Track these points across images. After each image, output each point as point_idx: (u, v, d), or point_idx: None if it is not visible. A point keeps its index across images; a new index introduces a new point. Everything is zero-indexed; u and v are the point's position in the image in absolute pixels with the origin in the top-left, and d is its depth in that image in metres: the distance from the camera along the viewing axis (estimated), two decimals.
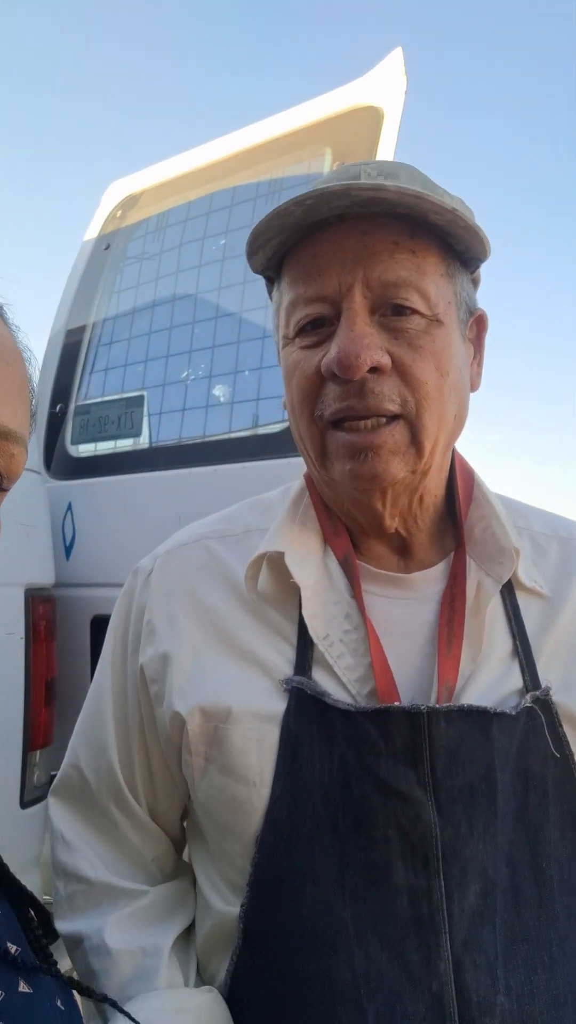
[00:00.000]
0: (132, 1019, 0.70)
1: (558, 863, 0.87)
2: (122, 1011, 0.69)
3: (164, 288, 2.39)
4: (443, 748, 0.85)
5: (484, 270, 0.97)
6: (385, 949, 0.81)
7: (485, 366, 1.01)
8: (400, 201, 0.82)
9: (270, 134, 2.26)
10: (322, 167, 2.13)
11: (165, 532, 1.13)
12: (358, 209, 0.85)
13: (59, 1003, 0.61)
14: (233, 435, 2.10)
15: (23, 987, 0.56)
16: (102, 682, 1.04)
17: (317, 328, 0.89)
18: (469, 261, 0.93)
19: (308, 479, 1.03)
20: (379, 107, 2.03)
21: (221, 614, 0.97)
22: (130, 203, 2.62)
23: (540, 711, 0.89)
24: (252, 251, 0.91)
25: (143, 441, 2.35)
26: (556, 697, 0.91)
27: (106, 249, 2.61)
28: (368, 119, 2.04)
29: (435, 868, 0.82)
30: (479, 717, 0.86)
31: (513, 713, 0.87)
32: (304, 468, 1.02)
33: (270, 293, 1.00)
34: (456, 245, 0.90)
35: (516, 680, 0.91)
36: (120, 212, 2.64)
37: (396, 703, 0.86)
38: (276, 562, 0.95)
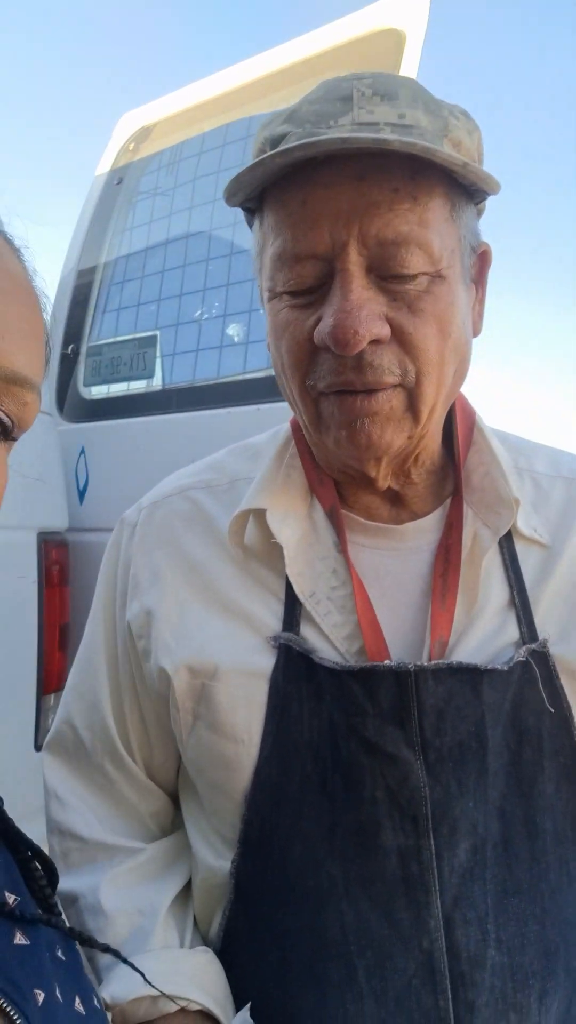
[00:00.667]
0: (135, 968, 0.69)
1: (552, 816, 0.86)
2: (124, 960, 0.69)
3: (177, 224, 2.32)
4: (431, 707, 0.82)
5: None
6: (375, 907, 0.81)
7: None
8: (405, 153, 0.74)
9: (287, 60, 2.17)
10: None
11: (164, 480, 1.10)
12: (354, 148, 0.75)
13: (59, 953, 0.61)
14: (248, 376, 2.06)
15: (19, 939, 0.55)
16: (93, 636, 1.01)
17: (307, 291, 0.81)
18: (474, 193, 0.84)
19: (294, 425, 0.97)
20: (401, 29, 1.94)
21: (207, 567, 0.93)
22: (143, 135, 2.54)
23: (536, 664, 0.85)
24: (230, 194, 0.83)
25: (156, 383, 2.31)
26: (554, 649, 0.87)
27: (118, 184, 2.54)
28: (389, 42, 1.95)
29: (424, 828, 0.81)
30: (469, 675, 0.83)
31: (505, 668, 0.84)
32: (281, 417, 0.98)
33: (249, 224, 0.91)
34: (461, 180, 0.80)
35: (512, 633, 0.87)
36: (133, 145, 2.55)
37: (382, 662, 0.83)
38: (261, 516, 0.90)
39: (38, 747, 1.97)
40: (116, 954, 0.67)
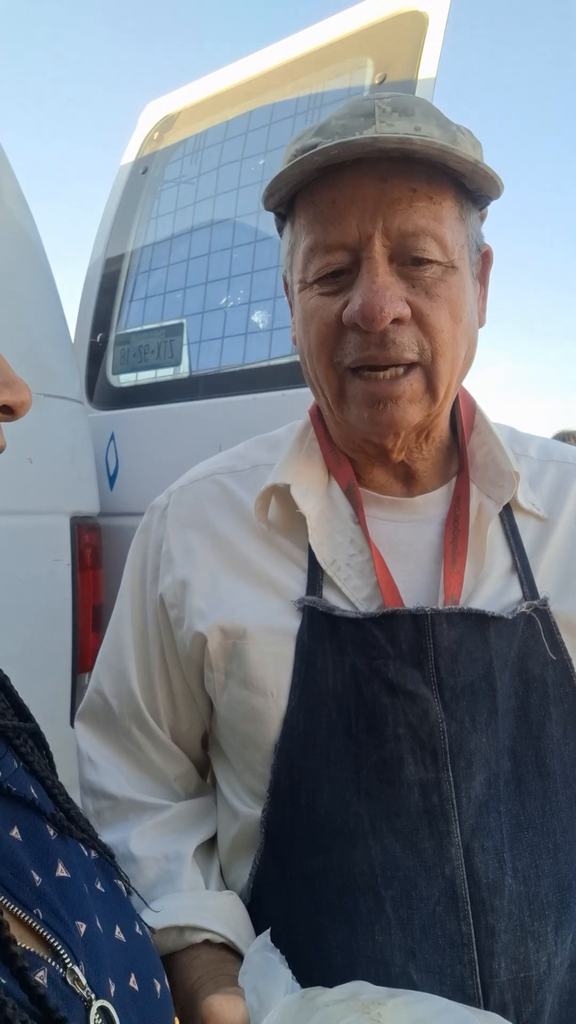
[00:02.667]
0: (144, 902, 0.74)
1: (560, 759, 0.93)
2: (132, 889, 0.73)
3: (202, 212, 2.35)
4: (445, 649, 0.90)
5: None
6: (399, 840, 0.87)
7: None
8: (425, 153, 0.84)
9: (308, 46, 2.18)
10: (363, 79, 2.04)
11: (190, 469, 1.15)
12: (377, 153, 0.86)
13: (99, 885, 0.64)
14: (273, 362, 2.09)
15: (61, 871, 0.59)
16: (122, 612, 1.09)
17: (336, 276, 0.91)
18: (479, 199, 0.95)
19: (312, 414, 1.08)
20: (423, 12, 1.94)
21: (235, 541, 1.02)
22: (167, 124, 2.56)
23: (538, 618, 0.94)
24: (269, 195, 0.93)
25: (183, 370, 2.34)
26: (554, 606, 0.96)
27: (143, 173, 2.57)
28: (412, 26, 1.95)
29: (443, 761, 0.88)
30: (477, 620, 0.92)
31: (510, 617, 0.93)
32: (305, 402, 1.07)
33: (280, 229, 1.02)
34: (469, 185, 0.92)
35: (516, 592, 0.96)
36: (157, 134, 2.58)
37: (402, 607, 0.92)
38: (283, 494, 1.00)
39: (73, 724, 2.03)
40: (127, 884, 0.71)
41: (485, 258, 1.00)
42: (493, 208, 0.99)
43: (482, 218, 0.98)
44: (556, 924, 0.88)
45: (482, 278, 1.01)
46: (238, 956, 0.89)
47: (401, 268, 0.88)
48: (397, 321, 0.87)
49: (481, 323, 1.00)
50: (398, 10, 2.00)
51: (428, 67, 1.89)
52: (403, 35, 1.96)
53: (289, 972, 0.82)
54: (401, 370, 0.90)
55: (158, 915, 0.89)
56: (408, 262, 0.88)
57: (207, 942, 0.89)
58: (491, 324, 1.02)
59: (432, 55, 1.89)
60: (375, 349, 0.88)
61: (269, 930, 0.88)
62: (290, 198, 0.95)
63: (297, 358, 2.07)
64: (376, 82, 1.99)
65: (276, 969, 0.82)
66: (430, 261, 0.88)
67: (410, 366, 0.90)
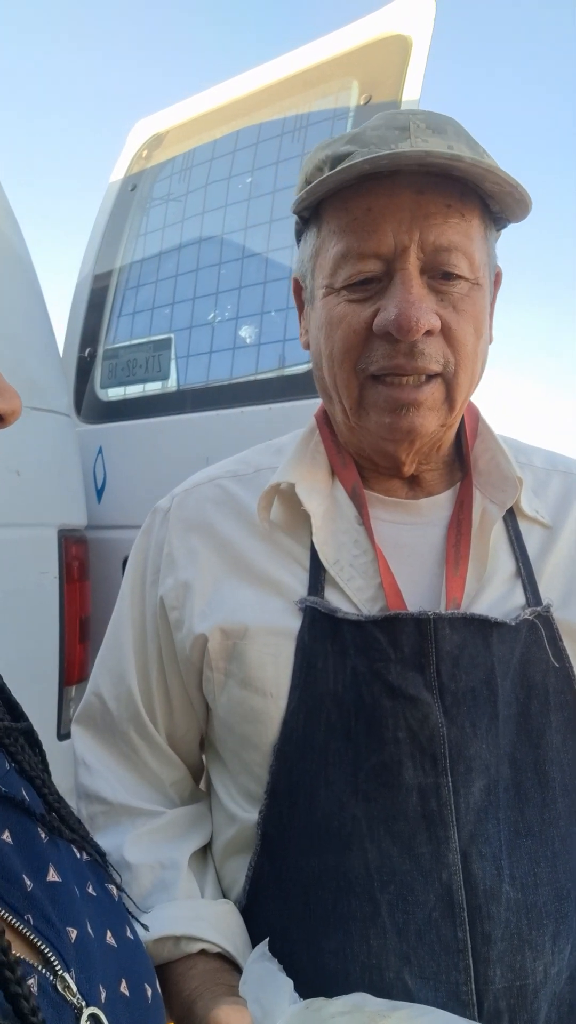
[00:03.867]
0: (136, 912, 0.74)
1: (560, 767, 0.92)
2: (135, 917, 0.73)
3: (190, 229, 2.37)
4: (447, 653, 0.90)
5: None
6: (396, 844, 0.87)
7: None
8: (470, 171, 0.86)
9: (295, 68, 2.21)
10: (349, 100, 2.08)
11: (194, 474, 1.16)
12: (418, 167, 0.87)
13: (90, 889, 0.64)
14: (260, 376, 2.11)
15: (52, 876, 0.59)
16: (121, 614, 1.09)
17: (366, 284, 0.91)
18: (499, 221, 0.98)
19: (318, 418, 1.08)
20: (407, 36, 1.97)
21: (237, 544, 1.02)
22: (156, 142, 2.59)
23: (541, 625, 0.94)
24: (307, 197, 0.93)
25: (171, 384, 2.36)
26: (557, 614, 0.96)
27: (132, 190, 2.59)
28: (396, 49, 1.98)
29: (443, 766, 0.87)
30: (480, 625, 0.92)
31: (513, 623, 0.93)
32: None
33: (299, 232, 1.01)
34: (493, 207, 0.94)
35: (519, 598, 0.96)
36: (146, 152, 2.61)
37: (405, 610, 0.92)
38: (287, 494, 1.00)
39: (61, 737, 2.02)
40: (118, 887, 0.70)
41: (496, 279, 1.02)
42: None
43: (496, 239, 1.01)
44: (554, 933, 0.87)
45: (492, 297, 1.02)
46: (234, 966, 0.89)
47: (431, 281, 0.90)
48: (427, 332, 0.88)
49: (490, 340, 1.01)
50: (382, 34, 2.03)
51: (412, 89, 1.92)
52: (387, 58, 2.00)
53: (290, 982, 0.81)
54: (423, 378, 0.91)
55: (154, 925, 0.88)
56: (439, 276, 0.90)
57: (203, 952, 0.89)
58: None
59: (416, 78, 1.93)
60: (403, 359, 0.89)
61: (268, 940, 0.87)
62: (316, 203, 0.95)
63: (284, 372, 2.10)
64: (361, 103, 2.03)
65: (277, 979, 0.82)
66: (459, 276, 0.90)
67: (432, 376, 0.91)
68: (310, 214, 0.98)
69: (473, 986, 0.83)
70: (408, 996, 0.83)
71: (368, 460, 1.01)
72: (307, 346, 1.03)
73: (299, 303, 1.05)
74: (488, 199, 0.92)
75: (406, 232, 0.88)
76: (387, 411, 0.92)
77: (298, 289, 1.05)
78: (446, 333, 0.90)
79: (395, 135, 0.88)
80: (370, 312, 0.90)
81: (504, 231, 1.01)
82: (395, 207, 0.88)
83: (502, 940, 0.84)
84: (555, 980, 0.87)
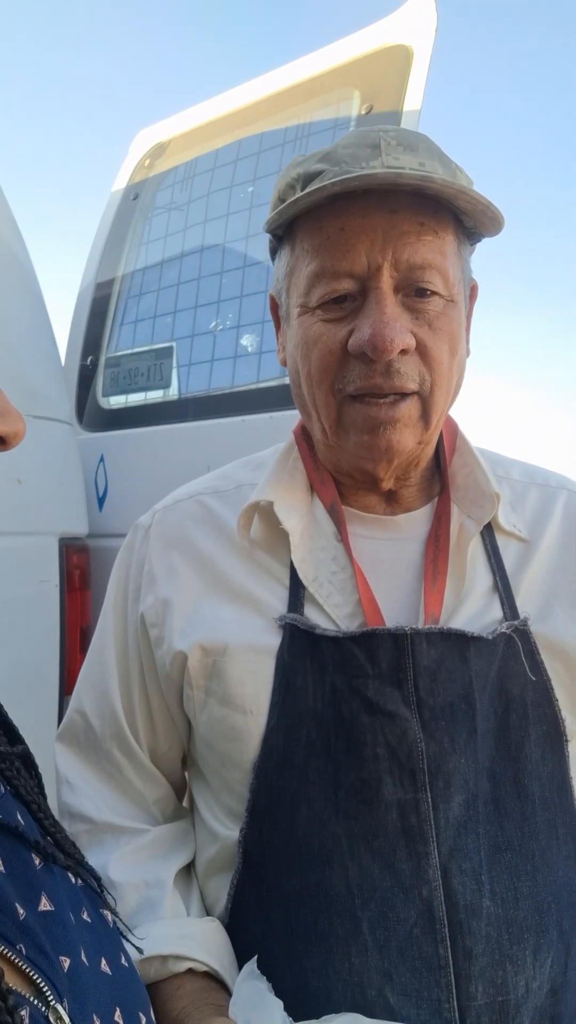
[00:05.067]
0: (124, 929, 0.73)
1: (539, 780, 0.92)
2: (124, 936, 0.72)
3: (192, 238, 2.38)
4: (425, 669, 0.90)
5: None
6: (377, 860, 0.86)
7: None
8: (442, 192, 0.86)
9: (296, 78, 2.22)
10: (350, 111, 2.08)
11: (176, 489, 1.16)
12: (392, 187, 0.87)
13: (85, 915, 0.63)
14: (261, 385, 2.11)
15: (45, 905, 0.58)
16: (104, 632, 1.09)
17: (340, 303, 0.91)
18: (473, 235, 0.98)
19: (297, 434, 1.08)
20: (408, 46, 1.98)
21: (217, 561, 1.02)
22: (158, 152, 2.60)
23: (518, 639, 0.94)
24: (278, 218, 0.93)
25: (172, 392, 2.36)
26: (534, 627, 0.96)
27: (134, 199, 2.60)
28: (397, 59, 1.99)
29: (422, 782, 0.87)
30: (457, 640, 0.92)
31: (490, 638, 0.93)
32: (293, 424, 1.08)
33: (273, 250, 1.02)
34: (467, 222, 0.94)
35: (497, 612, 0.97)
36: (148, 161, 2.61)
37: (382, 626, 0.92)
38: (266, 512, 1.00)
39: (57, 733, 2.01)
40: (113, 913, 0.70)
41: (471, 292, 1.03)
42: (485, 243, 1.01)
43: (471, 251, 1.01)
44: (535, 947, 0.86)
45: (468, 311, 1.03)
46: (221, 984, 0.89)
47: (406, 299, 0.90)
48: (402, 352, 0.89)
49: (467, 353, 1.01)
50: (384, 44, 2.04)
51: (413, 99, 1.93)
52: (389, 68, 2.00)
53: (280, 1003, 0.80)
54: (399, 396, 0.91)
55: (140, 944, 0.87)
56: (412, 293, 0.90)
57: (190, 971, 0.88)
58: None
59: (417, 88, 1.93)
60: (380, 378, 0.89)
61: (256, 958, 0.87)
62: (290, 221, 0.96)
63: (285, 381, 2.09)
64: (362, 113, 2.03)
65: (267, 1000, 0.81)
66: (433, 293, 0.90)
67: (408, 393, 0.91)
68: (284, 232, 0.98)
69: (455, 1003, 0.83)
70: (390, 1014, 0.83)
71: (347, 476, 1.02)
72: (284, 363, 1.03)
73: (276, 320, 1.06)
74: (462, 215, 0.92)
75: (379, 251, 0.88)
76: (365, 430, 0.92)
77: (274, 306, 1.05)
78: (421, 351, 0.91)
79: (366, 153, 0.89)
80: (345, 332, 0.91)
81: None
82: (368, 227, 0.88)
83: (483, 955, 0.84)
84: (536, 994, 0.86)
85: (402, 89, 1.95)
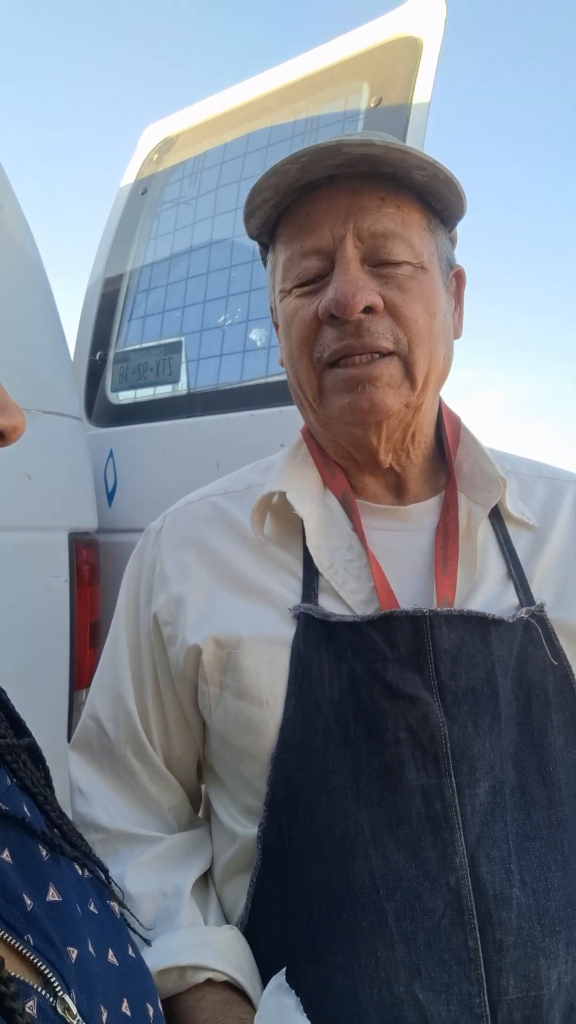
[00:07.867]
0: (143, 937, 0.73)
1: (565, 768, 0.91)
2: (144, 940, 0.71)
3: (201, 233, 2.37)
4: (445, 652, 0.90)
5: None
6: (401, 849, 0.84)
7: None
8: (387, 157, 0.90)
9: (305, 71, 2.21)
10: (359, 103, 2.07)
11: (204, 477, 1.18)
12: (347, 170, 0.92)
13: (92, 907, 0.63)
14: (270, 379, 2.10)
15: (52, 895, 0.58)
16: (117, 635, 1.09)
17: (314, 281, 0.96)
18: (447, 219, 1.01)
19: (305, 432, 1.10)
20: (418, 37, 1.97)
21: (229, 557, 1.03)
22: (166, 146, 2.59)
23: (537, 624, 0.94)
24: (250, 212, 0.98)
25: (181, 387, 2.36)
26: (551, 614, 0.97)
27: (143, 194, 2.60)
28: (406, 51, 1.98)
29: (446, 767, 0.86)
30: (478, 623, 0.92)
31: (511, 620, 0.93)
32: (301, 424, 1.10)
33: (264, 258, 1.06)
34: (435, 204, 0.98)
35: (512, 599, 0.97)
36: (156, 156, 2.61)
37: (399, 609, 0.92)
38: (279, 507, 1.02)
39: (71, 741, 2.02)
40: (120, 903, 0.70)
41: (458, 278, 1.06)
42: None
43: (452, 240, 1.04)
44: (567, 941, 0.83)
45: (457, 295, 1.06)
46: (243, 995, 0.86)
47: (374, 268, 0.93)
48: (371, 311, 0.91)
49: (457, 335, 1.04)
50: (393, 36, 2.03)
51: (422, 91, 1.92)
52: (398, 60, 1.99)
53: (306, 1019, 0.77)
54: (377, 355, 0.93)
55: (157, 955, 0.86)
56: (379, 262, 0.93)
57: (210, 981, 0.86)
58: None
59: (426, 80, 1.92)
60: (351, 338, 0.92)
61: (284, 971, 0.84)
62: (272, 226, 1.00)
63: None
64: (372, 105, 2.02)
65: (292, 1017, 0.77)
66: (401, 261, 0.93)
67: (387, 354, 0.93)
68: (268, 238, 1.04)
69: (486, 997, 0.80)
70: (419, 1010, 0.80)
71: (348, 458, 1.03)
72: (283, 363, 1.06)
73: (276, 325, 1.08)
74: (428, 196, 0.96)
75: (341, 224, 0.93)
76: (345, 391, 0.94)
77: (273, 311, 1.08)
78: (393, 311, 0.93)
79: (325, 143, 0.92)
80: (317, 302, 0.94)
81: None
82: (331, 206, 0.94)
83: (514, 948, 0.81)
84: (568, 990, 0.83)
85: (411, 81, 1.94)
